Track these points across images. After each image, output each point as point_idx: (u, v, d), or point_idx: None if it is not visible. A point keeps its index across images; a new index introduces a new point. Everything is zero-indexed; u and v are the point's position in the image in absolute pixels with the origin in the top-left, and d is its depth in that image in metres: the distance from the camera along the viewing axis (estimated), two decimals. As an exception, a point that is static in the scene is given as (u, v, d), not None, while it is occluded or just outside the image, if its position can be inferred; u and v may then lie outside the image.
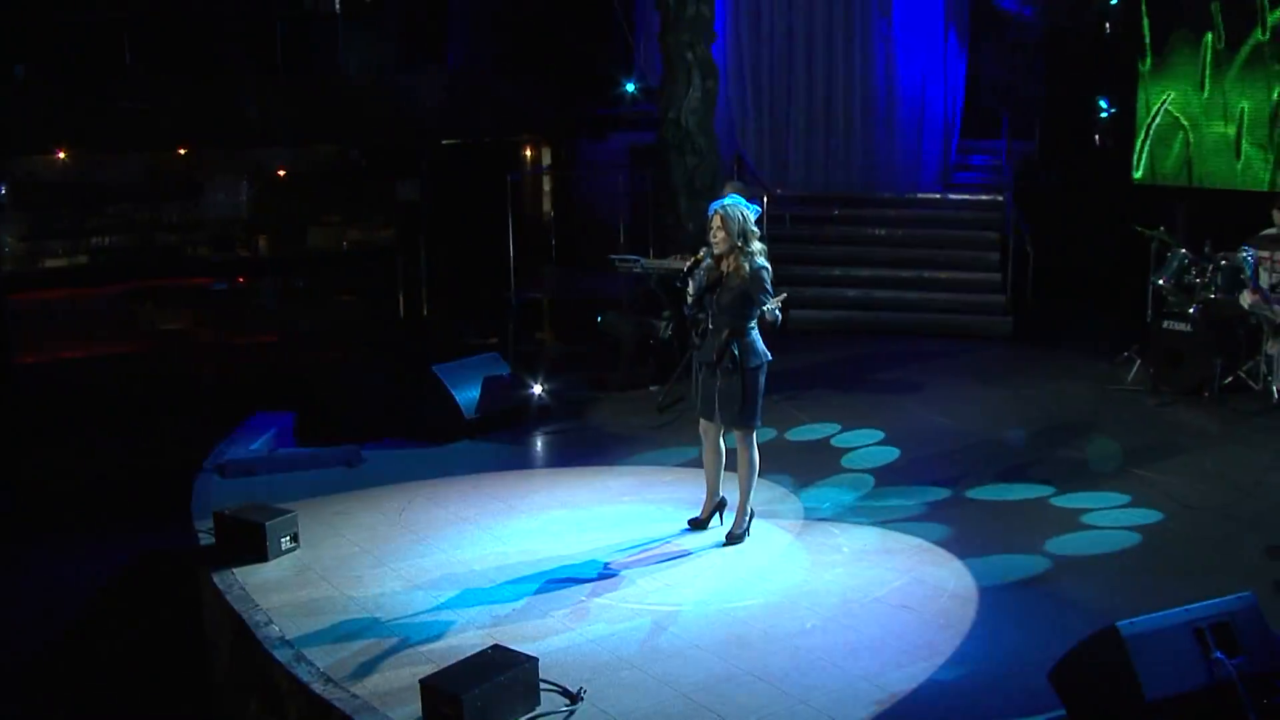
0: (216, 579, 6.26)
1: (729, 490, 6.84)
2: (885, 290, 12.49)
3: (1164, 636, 4.38)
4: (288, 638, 5.52)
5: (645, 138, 14.48)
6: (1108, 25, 12.06)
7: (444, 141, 14.05)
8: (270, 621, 5.70)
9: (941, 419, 9.05)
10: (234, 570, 6.33)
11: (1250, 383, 9.25)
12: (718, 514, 6.85)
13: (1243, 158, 11.23)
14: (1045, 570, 6.19)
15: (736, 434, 6.55)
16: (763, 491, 7.35)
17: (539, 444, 8.78)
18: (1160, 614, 4.46)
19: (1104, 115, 12.31)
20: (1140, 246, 11.05)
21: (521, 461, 8.39)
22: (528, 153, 15.49)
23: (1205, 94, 11.50)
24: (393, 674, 5.14)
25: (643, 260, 9.52)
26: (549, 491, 7.57)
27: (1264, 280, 9.25)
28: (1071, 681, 4.56)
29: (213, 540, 6.70)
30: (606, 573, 6.25)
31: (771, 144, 14.01)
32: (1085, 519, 6.89)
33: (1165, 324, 9.49)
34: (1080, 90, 12.40)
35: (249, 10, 13.39)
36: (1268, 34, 10.90)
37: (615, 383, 10.05)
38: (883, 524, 6.91)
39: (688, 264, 6.57)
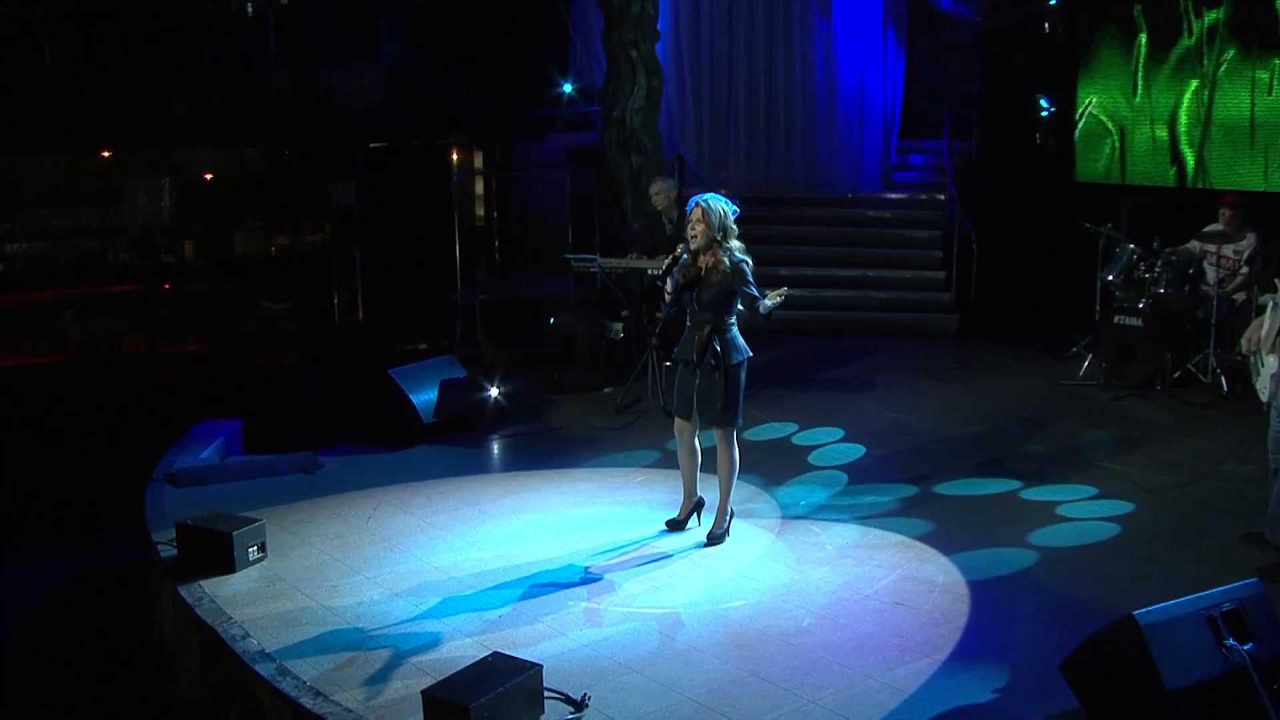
0: (183, 592, 6.00)
1: (706, 490, 6.75)
2: (832, 289, 12.51)
3: (1179, 625, 4.38)
4: (268, 651, 5.29)
5: (583, 138, 14.39)
6: (1047, 25, 12.20)
7: (378, 143, 13.77)
8: (247, 634, 5.46)
9: (899, 416, 9.06)
10: (200, 583, 6.07)
11: (1200, 376, 9.41)
12: (695, 514, 6.76)
13: (1174, 158, 11.42)
14: (1031, 563, 6.19)
15: (717, 432, 6.45)
16: (736, 490, 7.26)
17: (500, 447, 8.61)
18: (1173, 603, 4.46)
19: (1045, 114, 12.44)
20: (1083, 243, 11.19)
21: (484, 465, 8.22)
22: (454, 156, 15.23)
23: (1137, 96, 11.69)
24: (385, 686, 4.96)
25: (599, 259, 9.39)
26: (518, 495, 7.41)
27: (1210, 275, 9.43)
28: (1086, 673, 4.54)
29: (174, 552, 6.43)
30: (590, 576, 6.12)
31: (712, 144, 13.97)
32: (1060, 510, 6.93)
33: (1116, 319, 9.61)
34: (1020, 89, 12.53)
35: (175, 8, 12.99)
36: (1194, 39, 11.11)
37: (569, 384, 9.91)
38: (861, 520, 6.87)
39: (665, 262, 6.47)
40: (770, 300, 6.18)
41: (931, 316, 12.13)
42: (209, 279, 14.37)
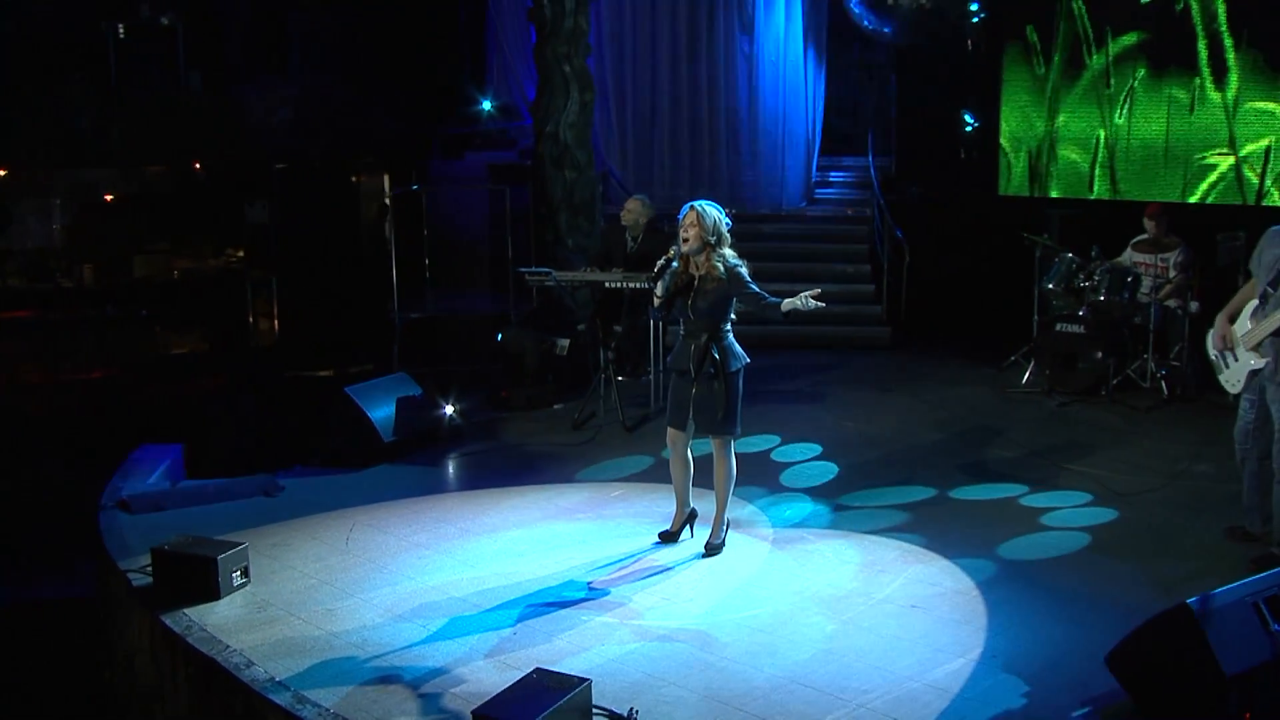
0: (168, 620, 5.65)
1: (698, 502, 6.65)
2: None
3: (1229, 612, 4.43)
4: (279, 679, 5.00)
5: (503, 156, 14.25)
6: (970, 42, 12.49)
7: (293, 161, 13.37)
8: (251, 663, 5.16)
9: (857, 426, 9.09)
10: (185, 611, 5.74)
11: (1139, 381, 9.67)
12: (688, 526, 6.65)
13: (1091, 174, 11.76)
14: (1033, 565, 6.23)
15: (715, 442, 6.36)
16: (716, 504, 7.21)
17: (463, 465, 8.37)
18: (1220, 591, 4.52)
19: (969, 129, 12.71)
20: (1011, 255, 11.46)
21: (451, 483, 7.99)
22: (375, 174, 14.87)
23: (1053, 115, 12.02)
24: (414, 710, 4.73)
25: (554, 273, 9.24)
26: (497, 512, 7.20)
27: (1145, 285, 9.71)
28: (1136, 664, 4.56)
29: (148, 579, 6.07)
30: (594, 591, 5.96)
31: (637, 161, 13.95)
32: (1046, 516, 7.00)
33: (1058, 327, 9.83)
34: (943, 105, 12.78)
35: (81, 19, 12.45)
36: (1103, 59, 11.47)
37: (519, 401, 9.71)
38: (853, 528, 6.85)
39: (656, 266, 6.36)
40: (800, 302, 6.02)
41: (864, 329, 12.25)
42: (113, 304, 13.71)
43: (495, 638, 5.39)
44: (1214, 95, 10.98)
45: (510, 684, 4.50)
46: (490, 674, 5.00)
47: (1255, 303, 6.04)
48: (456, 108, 14.56)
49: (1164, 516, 6.94)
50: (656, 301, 6.37)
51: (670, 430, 6.49)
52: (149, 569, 6.14)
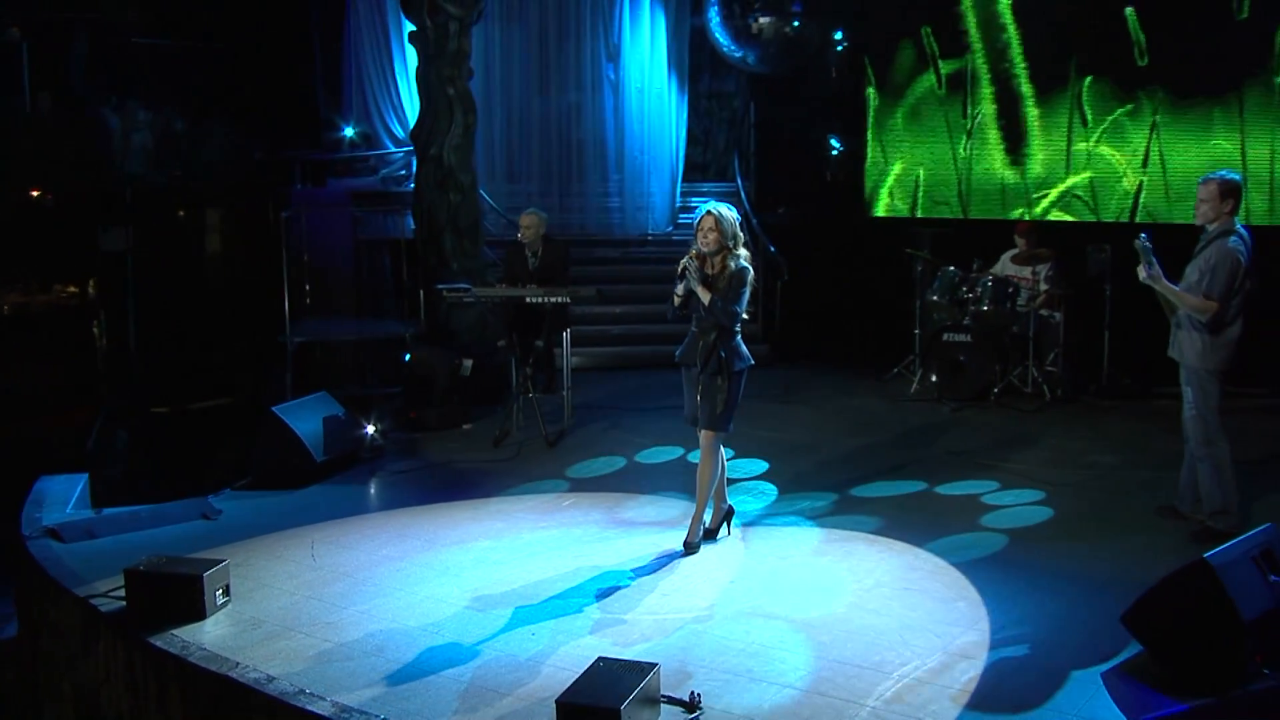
0: (159, 643, 5.35)
1: (682, 503, 6.78)
2: (645, 325, 12.71)
3: (1237, 566, 4.81)
4: (311, 691, 4.81)
5: (365, 182, 14.06)
6: (833, 70, 13.03)
7: (150, 186, 12.84)
8: (272, 678, 4.95)
9: (772, 434, 9.28)
10: (172, 632, 5.44)
11: (1021, 386, 10.26)
12: (726, 523, 6.76)
13: (946, 200, 12.41)
14: (999, 547, 6.55)
15: (705, 437, 6.47)
16: (676, 507, 7.32)
17: (399, 483, 8.18)
18: (1226, 546, 4.91)
19: (835, 153, 13.23)
20: (883, 272, 12.02)
21: (394, 500, 7.77)
22: (216, 205, 14.39)
23: (908, 142, 12.64)
24: (465, 705, 4.64)
25: (474, 289, 9.16)
26: (457, 525, 7.10)
27: (1023, 297, 10.35)
28: (1155, 619, 4.89)
29: (118, 604, 5.73)
30: (595, 590, 5.95)
31: (508, 187, 13.94)
32: (985, 500, 7.39)
33: (945, 337, 10.34)
34: (808, 130, 13.26)
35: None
36: (941, 89, 12.18)
37: (431, 421, 9.57)
38: (814, 522, 7.05)
39: (679, 267, 6.42)
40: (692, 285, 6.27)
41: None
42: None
43: (514, 640, 5.33)
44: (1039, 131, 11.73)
45: (581, 673, 4.47)
46: (526, 674, 4.95)
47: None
48: (317, 134, 14.27)
49: (1093, 502, 7.39)
50: (676, 300, 6.44)
51: (698, 431, 6.56)
52: (115, 593, 5.80)
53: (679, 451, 8.83)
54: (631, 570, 6.24)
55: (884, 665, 4.97)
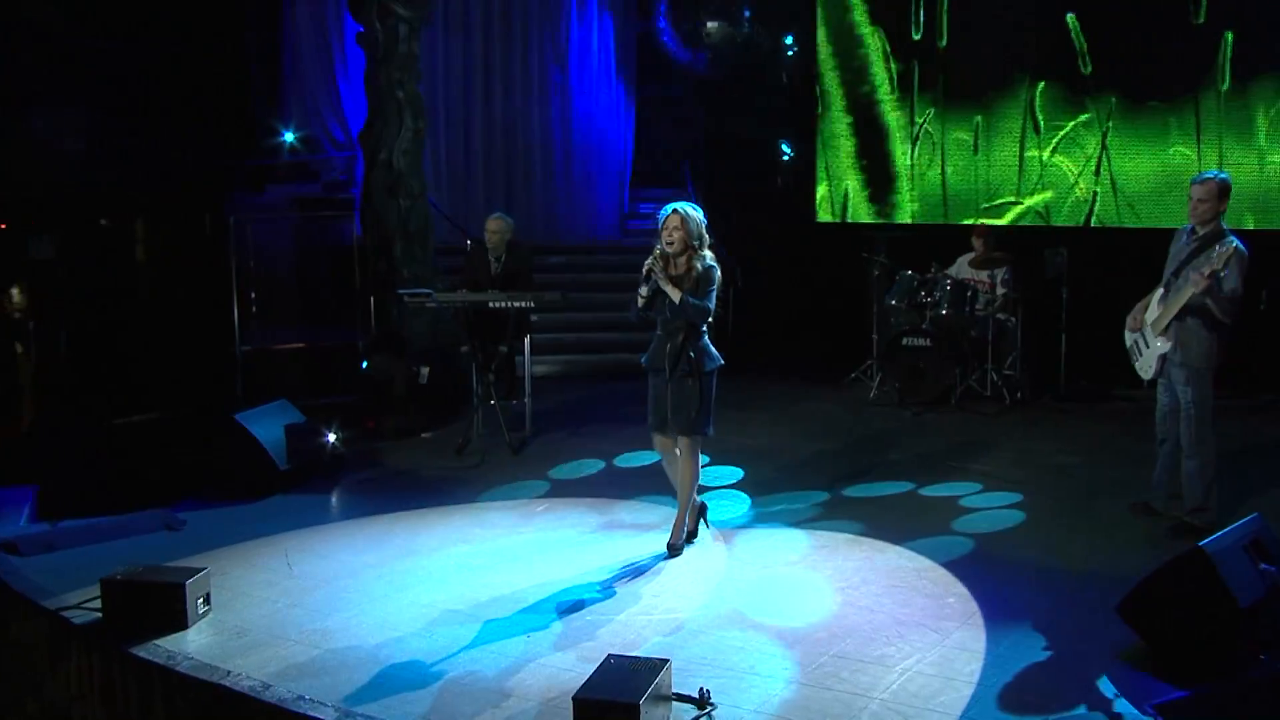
0: (142, 652, 5.30)
1: (660, 508, 6.87)
2: (594, 334, 12.78)
3: (1231, 554, 5.01)
4: (310, 698, 4.81)
5: (307, 189, 13.95)
6: (785, 75, 13.21)
7: (83, 192, 12.61)
8: (268, 685, 4.93)
9: (740, 440, 9.38)
10: (156, 642, 5.40)
11: (980, 390, 10.50)
12: (702, 518, 6.84)
13: (897, 204, 12.67)
14: (973, 547, 6.71)
15: (684, 441, 6.55)
16: (653, 511, 7.40)
17: (365, 491, 8.16)
18: (1217, 535, 5.11)
19: (786, 159, 13.40)
20: (837, 277, 12.21)
21: (361, 508, 7.72)
22: (152, 212, 14.19)
23: (859, 147, 12.86)
24: (473, 708, 4.67)
25: (435, 294, 9.16)
26: (433, 531, 7.12)
27: (980, 301, 10.59)
28: (1151, 608, 5.07)
29: (93, 615, 5.66)
30: (586, 593, 6.01)
31: (452, 192, 13.93)
32: (963, 502, 7.56)
33: (905, 341, 10.55)
34: (758, 135, 13.41)
35: None
36: (893, 93, 12.45)
37: (388, 430, 9.55)
38: (794, 525, 7.16)
39: (644, 268, 6.47)
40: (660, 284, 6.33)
41: (697, 355, 12.64)
42: None
43: (514, 644, 5.36)
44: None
45: (593, 670, 4.53)
46: (531, 673, 5.02)
47: (1161, 290, 6.78)
48: (256, 140, 14.13)
49: (1067, 502, 7.59)
50: (640, 302, 6.49)
51: (655, 436, 6.63)
52: (88, 604, 5.74)
53: (655, 456, 8.88)
54: (619, 573, 6.31)
55: (886, 659, 5.09)
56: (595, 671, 4.52)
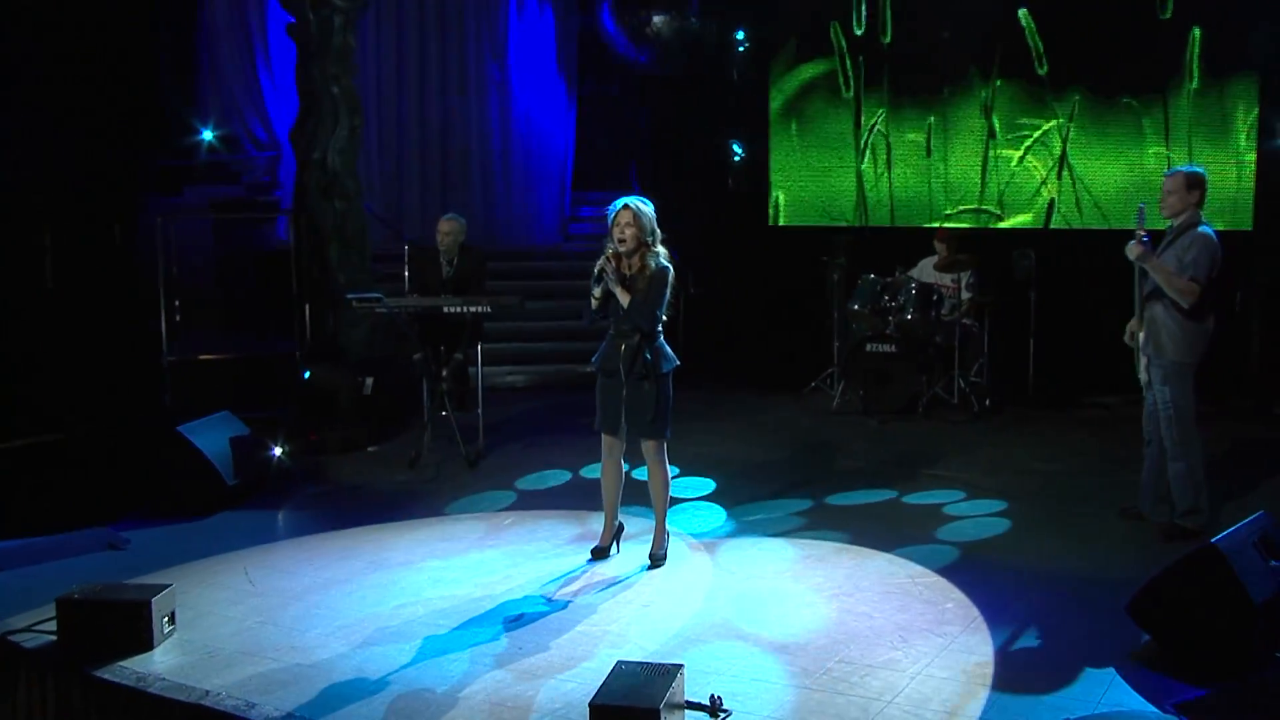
0: (106, 674, 5.24)
1: (626, 515, 6.91)
2: (540, 343, 12.82)
3: (1242, 551, 5.21)
4: (299, 715, 4.80)
5: (227, 190, 13.83)
6: (735, 73, 13.38)
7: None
8: (253, 704, 4.91)
9: (707, 449, 9.49)
10: (120, 664, 5.34)
11: (946, 397, 10.72)
12: (616, 541, 6.86)
13: (850, 207, 12.92)
14: (967, 550, 6.89)
15: (649, 446, 6.60)
16: (628, 523, 7.44)
17: (318, 506, 8.11)
18: (1228, 532, 5.31)
19: (736, 159, 13.56)
20: (791, 282, 12.39)
21: (317, 525, 7.65)
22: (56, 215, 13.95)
23: (808, 148, 13.09)
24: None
25: (385, 299, 9.14)
26: (396, 546, 7.11)
27: (946, 306, 10.83)
28: (1162, 606, 5.25)
29: (47, 638, 5.58)
30: (564, 604, 6.06)
31: (385, 194, 13.91)
32: (947, 510, 7.74)
33: (869, 347, 10.73)
34: (707, 136, 13.55)
35: None
36: (851, 92, 12.71)
37: (334, 444, 9.51)
38: (775, 534, 7.28)
39: (596, 268, 6.55)
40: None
41: (647, 364, 12.75)
42: None
43: (503, 655, 5.40)
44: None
45: (606, 676, 4.58)
46: (529, 685, 5.05)
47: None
48: (168, 137, 13.94)
49: (1052, 508, 7.80)
50: (594, 304, 6.54)
51: (605, 437, 6.68)
52: (39, 627, 5.66)
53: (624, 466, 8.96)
54: (603, 584, 6.37)
55: (896, 663, 5.21)
56: (608, 678, 4.57)
